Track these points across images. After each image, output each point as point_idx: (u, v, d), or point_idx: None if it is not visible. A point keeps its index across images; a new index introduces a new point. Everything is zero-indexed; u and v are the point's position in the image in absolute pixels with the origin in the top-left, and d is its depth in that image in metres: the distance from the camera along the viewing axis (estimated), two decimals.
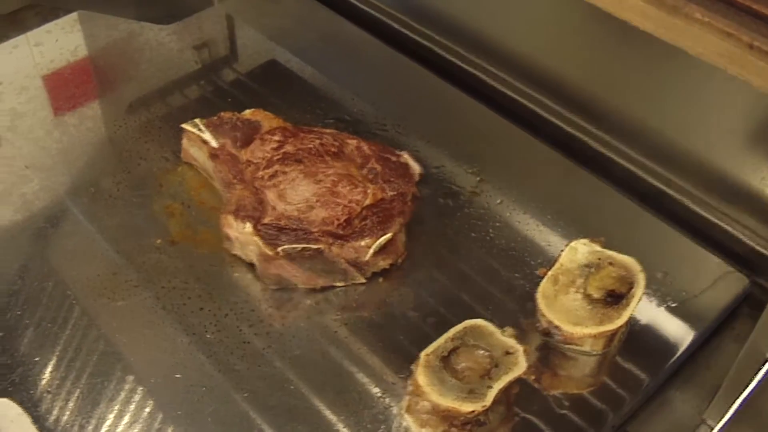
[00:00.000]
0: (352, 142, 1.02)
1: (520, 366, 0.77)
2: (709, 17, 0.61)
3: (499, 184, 1.02)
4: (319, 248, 0.89)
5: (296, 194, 0.95)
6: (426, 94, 1.17)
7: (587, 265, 0.85)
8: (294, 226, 0.92)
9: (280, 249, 0.89)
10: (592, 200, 1.01)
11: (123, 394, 0.82)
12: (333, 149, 1.01)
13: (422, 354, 0.77)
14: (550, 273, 0.84)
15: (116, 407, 0.81)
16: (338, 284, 0.91)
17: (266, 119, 1.06)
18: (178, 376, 0.83)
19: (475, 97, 1.13)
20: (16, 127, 1.10)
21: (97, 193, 1.01)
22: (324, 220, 0.92)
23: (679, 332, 0.88)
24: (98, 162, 1.07)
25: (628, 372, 0.84)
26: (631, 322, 0.85)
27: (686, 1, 0.62)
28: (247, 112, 1.06)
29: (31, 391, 0.82)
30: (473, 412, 0.74)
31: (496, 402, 0.76)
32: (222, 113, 1.05)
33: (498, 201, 1.00)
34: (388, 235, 0.90)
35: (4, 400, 0.81)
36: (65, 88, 1.18)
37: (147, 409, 0.81)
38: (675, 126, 0.98)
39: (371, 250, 0.90)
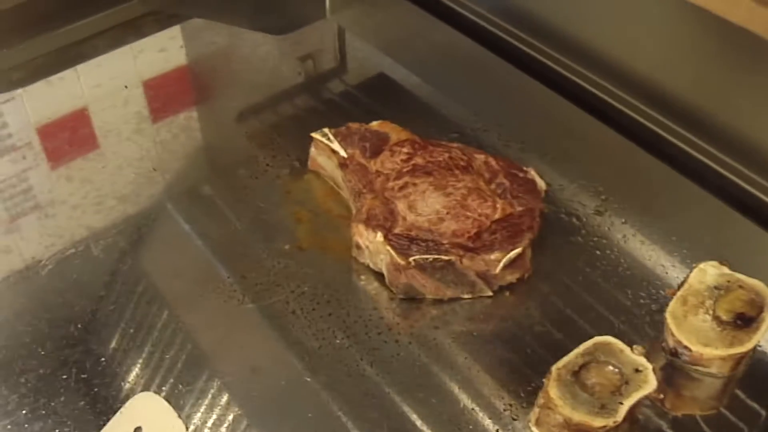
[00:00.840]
0: (480, 157, 1.03)
1: (650, 384, 0.78)
2: None
3: (623, 204, 1.02)
4: (450, 259, 0.90)
5: (426, 206, 0.97)
6: (546, 111, 1.17)
7: (716, 287, 0.85)
8: (425, 237, 0.93)
9: (411, 259, 0.90)
10: (716, 223, 1.01)
11: (254, 394, 0.84)
12: (462, 163, 1.02)
13: (554, 367, 0.78)
14: (679, 293, 0.85)
15: (244, 408, 0.83)
16: (465, 296, 0.92)
17: (394, 131, 1.07)
18: (308, 379, 0.84)
19: (596, 116, 1.14)
20: (143, 129, 1.13)
21: (228, 197, 1.03)
22: (454, 232, 0.94)
23: None
24: (224, 167, 1.10)
25: (747, 402, 0.83)
26: (758, 347, 0.84)
27: None
28: (375, 124, 1.08)
29: (164, 388, 0.85)
30: (605, 426, 0.75)
31: (623, 421, 0.76)
32: (350, 123, 1.07)
33: (622, 220, 1.00)
34: (518, 250, 0.91)
35: (149, 394, 0.83)
36: (175, 95, 1.23)
37: (274, 411, 0.83)
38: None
39: (501, 264, 0.91)
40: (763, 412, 0.82)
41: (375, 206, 0.96)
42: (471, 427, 0.81)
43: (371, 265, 0.95)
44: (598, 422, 0.74)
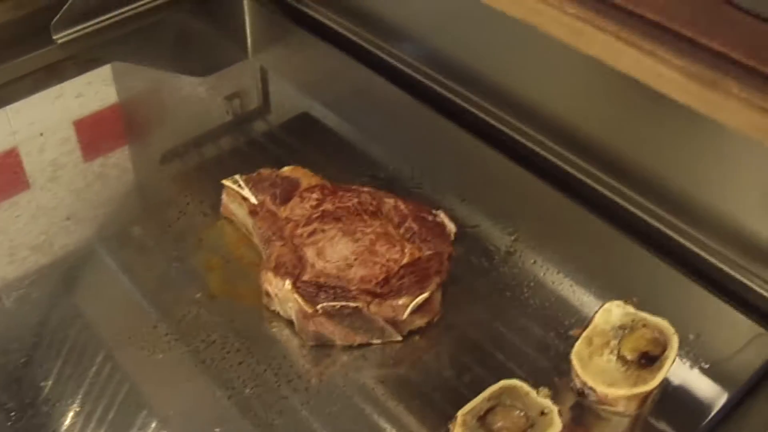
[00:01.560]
0: (390, 201, 1.03)
1: (555, 426, 0.78)
2: (747, 93, 0.63)
3: (534, 244, 1.03)
4: (357, 306, 0.90)
5: (335, 252, 0.97)
6: (460, 152, 1.18)
7: (621, 327, 0.86)
8: (333, 284, 0.93)
9: (319, 306, 0.90)
10: (625, 261, 1.02)
11: None
12: (371, 208, 1.02)
13: (459, 414, 0.78)
14: (584, 334, 0.86)
15: None
16: (375, 341, 0.92)
17: (305, 176, 1.07)
18: (217, 429, 0.84)
19: (509, 157, 1.15)
20: (58, 177, 1.13)
21: (137, 245, 1.03)
22: (362, 278, 0.93)
23: (711, 394, 0.88)
24: (137, 214, 1.10)
25: (678, 416, 0.85)
26: (664, 384, 0.85)
27: (724, 76, 0.64)
28: (286, 169, 1.08)
29: None
30: None
31: None
32: (261, 170, 1.07)
33: (532, 261, 1.01)
34: (425, 294, 0.91)
35: None
36: (100, 138, 1.21)
37: None
38: (708, 188, 0.99)
39: (409, 309, 0.91)
40: None
41: (283, 253, 0.96)
42: None
43: (281, 313, 0.95)
44: None
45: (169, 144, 1.20)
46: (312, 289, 0.92)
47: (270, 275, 0.95)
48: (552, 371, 0.88)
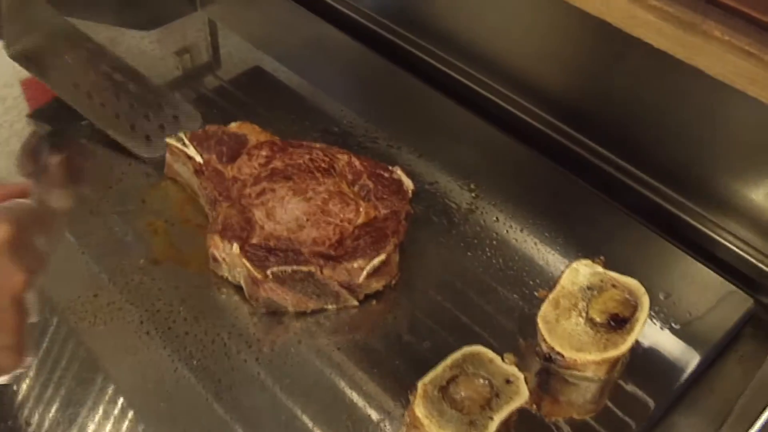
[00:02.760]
0: (343, 158, 0.98)
1: (521, 395, 0.74)
2: (729, 35, 0.58)
3: (495, 200, 0.99)
4: (309, 270, 0.85)
5: (285, 213, 0.91)
6: (417, 104, 1.14)
7: (589, 288, 0.82)
8: (283, 247, 0.87)
9: (269, 271, 0.85)
10: (592, 217, 0.98)
11: (109, 424, 0.78)
12: (323, 165, 0.97)
13: (420, 383, 0.74)
14: (551, 296, 0.81)
15: None
16: (330, 307, 0.88)
17: (253, 133, 1.02)
18: (162, 404, 0.79)
19: (469, 108, 1.10)
20: None
21: (77, 208, 0.96)
22: (315, 240, 0.89)
23: (683, 355, 0.85)
24: None
25: (632, 397, 0.81)
26: (634, 346, 0.81)
27: (704, 17, 0.59)
28: (234, 125, 1.03)
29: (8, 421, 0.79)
30: None
31: None
32: (207, 126, 1.01)
33: (494, 218, 0.97)
34: (382, 257, 0.87)
35: None
36: (43, 97, 1.13)
37: None
38: (677, 140, 0.95)
39: (364, 272, 0.86)
40: (652, 403, 0.80)
41: (231, 215, 0.90)
42: None
43: (230, 278, 0.90)
44: None
45: None
46: (261, 253, 0.87)
47: (217, 239, 0.89)
48: (517, 334, 0.85)
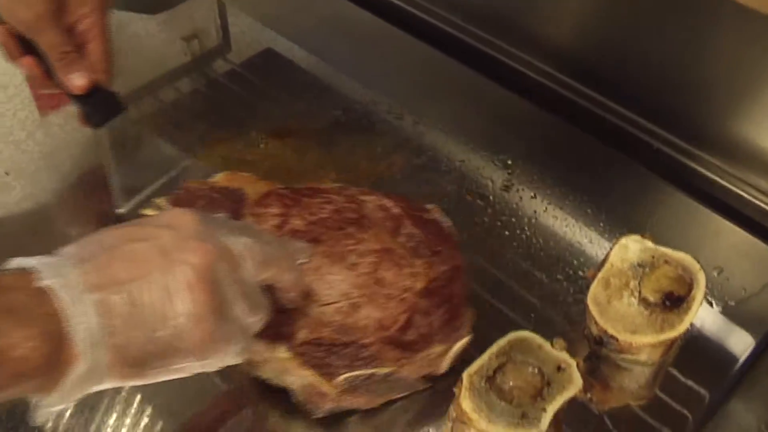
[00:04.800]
0: (371, 199, 0.81)
1: (575, 383, 0.69)
2: None
3: (532, 177, 0.95)
4: (389, 372, 0.72)
5: (330, 289, 0.73)
6: (442, 78, 1.10)
7: (640, 265, 0.77)
8: (343, 340, 0.71)
9: (339, 380, 0.70)
10: (635, 191, 0.94)
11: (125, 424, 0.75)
12: (352, 215, 0.79)
13: (465, 374, 0.68)
14: (600, 275, 0.76)
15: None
16: (400, 395, 0.75)
17: (248, 183, 0.84)
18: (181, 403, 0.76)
19: (497, 81, 1.06)
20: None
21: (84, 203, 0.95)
22: (380, 323, 0.72)
23: (739, 335, 0.81)
24: (85, 167, 0.99)
25: (687, 384, 0.77)
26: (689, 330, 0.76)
27: None
28: (220, 177, 0.86)
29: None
30: None
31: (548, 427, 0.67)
32: (187, 183, 0.85)
33: (531, 195, 0.93)
34: (465, 339, 0.74)
35: None
36: (56, 103, 1.09)
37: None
38: (726, 111, 0.91)
39: (448, 360, 0.74)
40: (706, 394, 0.76)
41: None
42: None
43: (273, 381, 0.75)
44: None
45: (123, 89, 1.09)
46: (320, 354, 0.71)
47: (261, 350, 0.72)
48: (563, 321, 0.80)
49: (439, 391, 0.75)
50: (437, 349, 0.73)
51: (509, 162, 0.96)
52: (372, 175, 0.96)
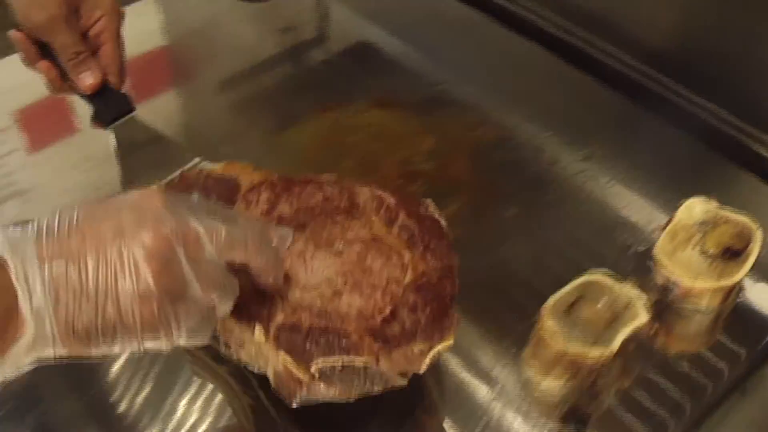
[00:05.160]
0: (365, 191, 0.80)
1: (641, 317, 0.77)
2: None
3: (606, 152, 1.03)
4: (366, 365, 0.68)
5: (312, 274, 0.72)
6: (542, 73, 1.17)
7: (704, 223, 0.86)
8: (322, 326, 0.68)
9: (314, 367, 0.67)
10: (698, 164, 1.01)
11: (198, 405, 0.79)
12: (343, 204, 0.78)
13: (547, 303, 0.78)
14: (667, 229, 0.85)
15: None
16: (376, 389, 0.70)
17: (244, 173, 0.84)
18: None
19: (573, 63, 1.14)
20: None
21: None
22: (360, 312, 0.69)
23: None
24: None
25: (744, 329, 0.84)
26: (743, 283, 0.85)
27: None
28: (219, 167, 0.86)
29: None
30: (597, 360, 0.75)
31: (616, 355, 0.76)
32: (185, 172, 0.86)
33: (608, 166, 1.01)
34: (449, 341, 0.71)
35: None
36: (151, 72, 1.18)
37: None
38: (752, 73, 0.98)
39: (427, 361, 0.69)
40: (744, 353, 0.82)
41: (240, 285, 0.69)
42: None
43: (250, 366, 0.73)
44: (591, 355, 0.75)
45: (222, 75, 1.18)
46: (297, 339, 0.67)
47: (229, 320, 0.70)
48: (633, 270, 0.87)
49: (416, 389, 0.75)
50: (419, 346, 0.69)
51: (587, 139, 1.04)
52: (468, 141, 1.04)
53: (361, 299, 0.70)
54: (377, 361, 0.67)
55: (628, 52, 1.12)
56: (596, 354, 0.75)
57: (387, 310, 0.69)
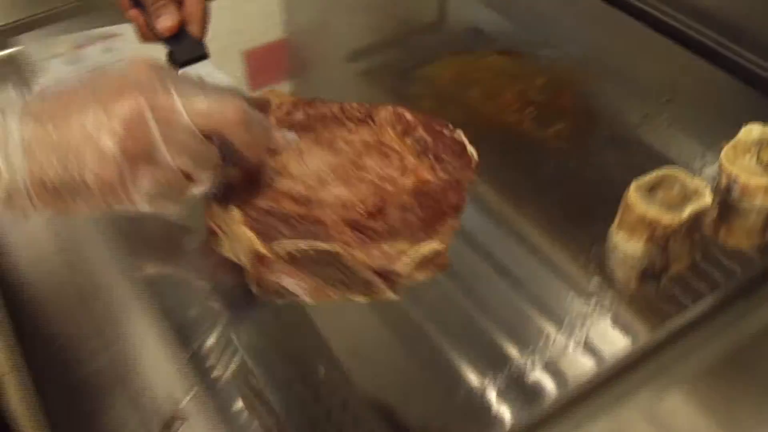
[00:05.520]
0: (387, 109, 0.80)
1: (706, 199, 0.97)
2: None
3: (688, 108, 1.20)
4: (333, 251, 0.66)
5: (305, 166, 0.71)
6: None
7: (759, 141, 1.07)
8: (302, 213, 0.67)
9: (278, 247, 0.66)
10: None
11: None
12: (358, 114, 0.79)
13: (633, 181, 1.00)
14: (729, 144, 1.07)
15: None
16: (359, 299, 0.69)
17: (278, 96, 0.88)
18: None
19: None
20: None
21: None
22: (343, 201, 0.68)
23: None
24: None
25: None
26: None
27: None
28: (258, 94, 0.93)
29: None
30: (671, 225, 0.97)
31: (684, 227, 0.97)
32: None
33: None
34: (435, 245, 0.70)
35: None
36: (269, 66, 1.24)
37: None
38: None
39: (408, 260, 0.67)
40: None
41: (233, 176, 0.71)
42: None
43: (233, 258, 0.72)
44: (665, 218, 0.97)
45: (355, 44, 1.28)
46: (271, 221, 0.67)
47: (214, 206, 0.71)
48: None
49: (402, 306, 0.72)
50: (401, 246, 0.67)
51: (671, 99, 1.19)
52: (573, 82, 1.22)
53: (346, 190, 0.67)
54: (347, 249, 0.64)
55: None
56: (669, 218, 0.97)
57: (371, 204, 0.67)
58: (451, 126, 0.81)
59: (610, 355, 0.83)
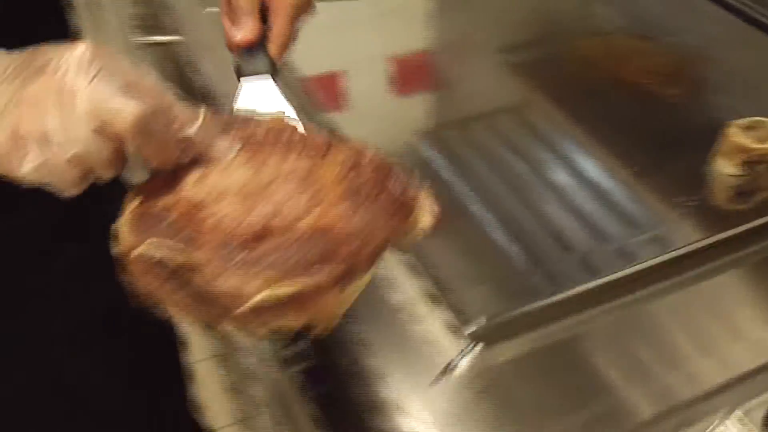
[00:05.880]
0: (351, 150, 0.70)
1: None
2: None
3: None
4: (186, 257, 0.62)
5: (221, 178, 0.66)
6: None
7: None
8: (184, 221, 0.64)
9: (145, 243, 0.63)
10: None
11: None
12: (315, 145, 0.70)
13: (732, 122, 1.30)
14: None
15: None
16: (225, 325, 0.63)
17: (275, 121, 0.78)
18: None
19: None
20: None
21: None
22: (227, 218, 0.63)
23: None
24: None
25: None
26: None
27: None
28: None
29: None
30: (760, 149, 1.27)
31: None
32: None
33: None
34: (295, 286, 0.60)
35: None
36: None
37: None
38: None
39: (253, 301, 0.60)
40: None
41: (158, 177, 0.68)
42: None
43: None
44: (757, 145, 1.27)
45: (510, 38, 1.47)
46: (152, 221, 0.64)
47: (127, 201, 0.69)
48: None
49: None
50: (257, 279, 0.61)
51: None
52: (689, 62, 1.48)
53: (234, 209, 0.64)
54: (206, 262, 0.61)
55: None
56: (760, 145, 1.28)
57: (258, 227, 0.63)
58: (403, 178, 0.69)
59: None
